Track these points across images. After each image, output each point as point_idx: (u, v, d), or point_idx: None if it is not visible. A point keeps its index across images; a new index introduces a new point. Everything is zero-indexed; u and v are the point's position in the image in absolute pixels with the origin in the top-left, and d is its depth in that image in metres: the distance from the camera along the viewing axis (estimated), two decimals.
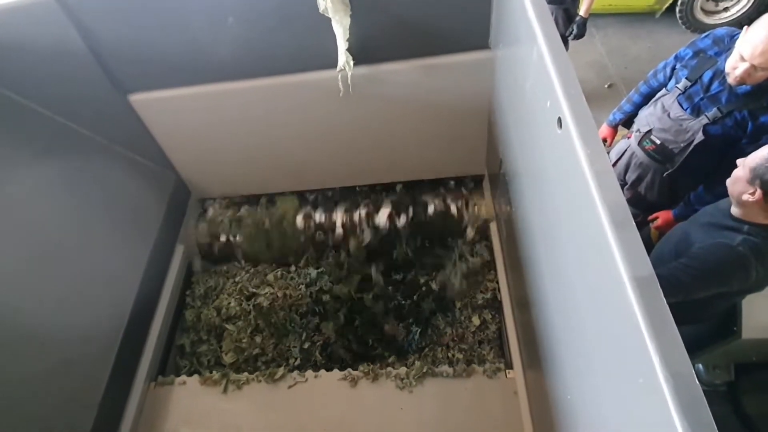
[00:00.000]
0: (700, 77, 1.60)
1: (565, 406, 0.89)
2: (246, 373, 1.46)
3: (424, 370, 1.39)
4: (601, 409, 0.70)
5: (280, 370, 1.44)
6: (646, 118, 1.79)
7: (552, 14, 2.83)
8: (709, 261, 1.28)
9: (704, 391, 0.47)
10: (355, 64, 1.29)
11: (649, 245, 2.31)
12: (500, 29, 1.19)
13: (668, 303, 0.52)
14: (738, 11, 3.90)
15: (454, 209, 1.71)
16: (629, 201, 2.01)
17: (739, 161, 1.28)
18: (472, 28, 1.26)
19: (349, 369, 1.42)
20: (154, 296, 1.62)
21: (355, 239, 1.71)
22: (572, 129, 0.67)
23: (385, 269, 1.71)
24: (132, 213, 1.59)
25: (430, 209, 1.72)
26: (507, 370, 1.38)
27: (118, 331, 1.40)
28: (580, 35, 2.79)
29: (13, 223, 1.23)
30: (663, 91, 1.78)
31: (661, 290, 0.52)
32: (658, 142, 1.74)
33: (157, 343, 1.55)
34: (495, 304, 1.59)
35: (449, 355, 1.52)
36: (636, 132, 1.85)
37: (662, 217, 1.89)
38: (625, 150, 1.94)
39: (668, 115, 1.69)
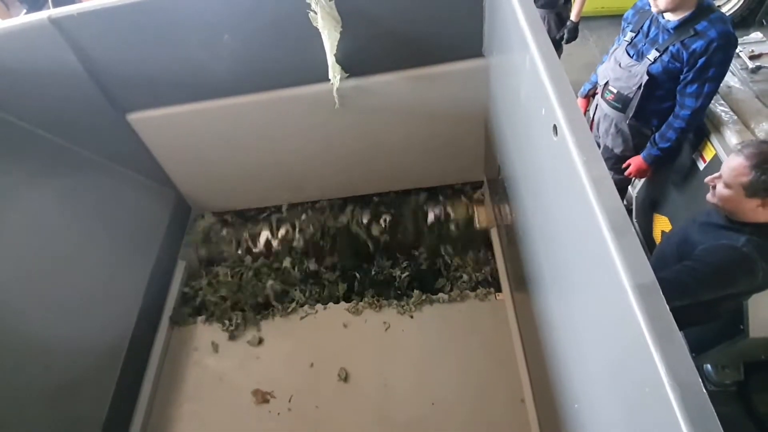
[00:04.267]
0: (641, 27, 1.84)
1: (571, 412, 0.88)
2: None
3: (423, 298, 1.56)
4: (607, 417, 0.69)
5: (292, 305, 1.62)
6: (603, 72, 2.00)
7: (544, 19, 2.88)
8: (714, 263, 1.26)
9: (714, 391, 0.46)
10: (350, 76, 1.30)
11: (649, 241, 2.30)
12: (493, 37, 1.20)
13: (674, 306, 0.51)
14: (728, 11, 3.92)
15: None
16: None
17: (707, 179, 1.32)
18: (465, 37, 1.27)
19: (355, 300, 1.59)
20: (157, 311, 1.63)
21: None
22: (568, 136, 0.67)
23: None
24: (133, 230, 1.59)
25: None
26: (496, 293, 1.56)
27: (121, 347, 1.42)
28: (571, 39, 2.80)
29: (14, 243, 1.23)
30: (614, 45, 2.00)
31: (663, 297, 0.51)
32: (615, 91, 1.94)
33: (161, 358, 1.55)
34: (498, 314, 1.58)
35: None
36: (599, 87, 2.07)
37: (634, 163, 2.02)
38: (597, 105, 2.14)
39: (619, 65, 1.89)
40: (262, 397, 1.45)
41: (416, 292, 1.57)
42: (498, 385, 1.37)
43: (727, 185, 1.26)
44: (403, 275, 1.65)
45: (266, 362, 1.53)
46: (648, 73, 1.77)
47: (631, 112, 1.91)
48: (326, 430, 1.38)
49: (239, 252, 1.78)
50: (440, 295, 1.57)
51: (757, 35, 2.18)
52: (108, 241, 1.48)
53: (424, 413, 1.35)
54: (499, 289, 1.57)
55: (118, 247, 1.51)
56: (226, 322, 1.60)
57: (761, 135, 1.76)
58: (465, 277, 1.63)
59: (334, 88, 1.29)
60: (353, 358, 1.48)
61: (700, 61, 1.65)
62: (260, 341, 1.57)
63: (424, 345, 1.48)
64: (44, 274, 1.27)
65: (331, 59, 1.21)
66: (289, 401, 1.44)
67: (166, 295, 1.68)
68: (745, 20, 3.73)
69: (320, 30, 1.16)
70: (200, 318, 1.63)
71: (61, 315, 1.27)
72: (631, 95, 1.87)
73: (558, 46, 2.96)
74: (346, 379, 1.45)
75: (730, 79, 1.97)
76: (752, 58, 2.04)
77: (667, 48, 1.72)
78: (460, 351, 1.45)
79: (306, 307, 1.61)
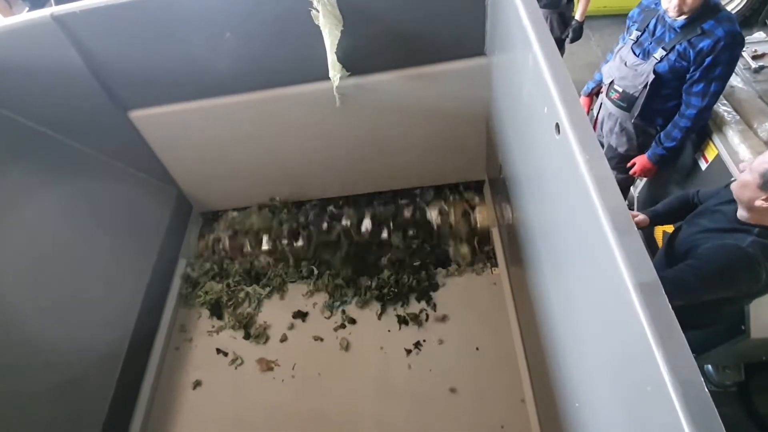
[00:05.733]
0: (647, 26, 1.83)
1: (572, 410, 0.87)
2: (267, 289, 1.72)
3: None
4: (608, 417, 0.69)
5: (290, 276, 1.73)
6: (609, 71, 1.99)
7: (546, 18, 2.87)
8: (717, 261, 1.24)
9: (714, 392, 0.46)
10: (352, 75, 1.30)
11: (650, 241, 2.30)
12: (495, 36, 1.20)
13: (674, 307, 0.51)
14: (731, 11, 3.89)
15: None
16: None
17: (743, 165, 1.27)
18: (467, 36, 1.26)
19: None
20: (158, 310, 1.63)
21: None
22: (570, 134, 0.67)
23: None
24: (134, 228, 1.59)
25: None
26: (492, 268, 1.66)
27: (123, 344, 1.43)
28: (576, 38, 2.80)
29: (15, 241, 1.23)
30: (620, 44, 1.97)
31: (666, 296, 0.51)
32: (620, 90, 1.92)
33: (161, 356, 1.56)
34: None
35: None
36: (604, 85, 2.06)
37: (639, 162, 2.01)
38: (601, 104, 2.12)
39: (625, 63, 1.88)
40: (267, 366, 1.52)
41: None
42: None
43: (751, 170, 1.23)
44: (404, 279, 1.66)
45: (270, 333, 1.60)
46: (654, 71, 1.77)
47: (636, 111, 1.90)
48: (329, 395, 1.44)
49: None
50: (439, 269, 1.66)
51: (760, 35, 2.17)
52: (109, 239, 1.48)
53: (423, 381, 1.42)
54: (496, 264, 1.65)
55: (120, 245, 1.51)
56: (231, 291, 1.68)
57: (764, 135, 1.75)
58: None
59: (334, 87, 1.29)
60: (354, 329, 1.56)
61: (707, 60, 1.64)
62: (263, 312, 1.65)
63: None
64: (45, 271, 1.27)
65: (331, 57, 1.21)
66: (293, 369, 1.51)
67: (168, 291, 1.68)
68: (748, 20, 3.71)
69: (321, 28, 1.16)
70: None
71: (63, 312, 1.27)
72: (636, 94, 1.87)
73: (560, 46, 2.95)
74: (347, 348, 1.51)
75: (733, 79, 1.96)
76: (755, 57, 2.03)
77: (673, 47, 1.71)
78: (458, 329, 1.52)
79: (310, 284, 1.70)
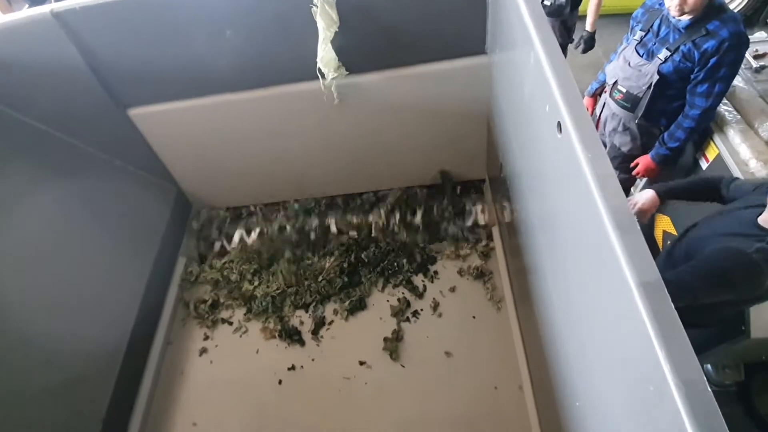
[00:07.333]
0: (651, 26, 1.82)
1: (573, 410, 0.87)
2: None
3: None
4: (611, 416, 0.69)
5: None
6: (612, 71, 1.99)
7: (551, 27, 2.85)
8: (719, 264, 1.23)
9: (714, 392, 0.46)
10: (352, 73, 1.29)
11: (651, 241, 2.29)
12: (497, 34, 1.19)
13: (675, 307, 0.51)
14: (733, 9, 3.90)
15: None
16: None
17: None
18: (468, 34, 1.26)
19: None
20: (157, 308, 1.63)
21: None
22: (572, 133, 0.67)
23: None
24: (134, 226, 1.59)
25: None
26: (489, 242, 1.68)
27: (122, 342, 1.43)
28: (588, 49, 2.78)
29: (15, 238, 1.23)
30: (624, 44, 1.97)
31: (669, 296, 0.51)
32: (624, 90, 1.92)
33: (161, 351, 1.56)
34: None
35: None
36: (607, 86, 2.05)
37: (642, 163, 2.01)
38: (605, 104, 2.11)
39: (629, 64, 1.87)
40: (270, 334, 1.58)
41: (415, 276, 1.64)
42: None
43: None
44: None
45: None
46: (658, 72, 1.76)
47: (640, 112, 1.89)
48: (329, 359, 1.51)
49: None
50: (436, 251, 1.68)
51: (761, 35, 2.18)
52: (108, 236, 1.48)
53: (420, 346, 1.49)
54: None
55: (119, 243, 1.51)
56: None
57: (764, 134, 1.75)
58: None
59: (322, 84, 1.28)
60: (355, 300, 1.61)
61: (712, 60, 1.64)
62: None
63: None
64: (45, 269, 1.27)
65: (321, 54, 1.21)
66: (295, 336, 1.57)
67: (167, 289, 1.68)
68: (749, 20, 3.72)
69: (317, 24, 1.16)
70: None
71: (62, 310, 1.27)
72: (640, 95, 1.86)
73: (563, 52, 2.94)
74: (347, 319, 1.59)
75: (734, 79, 1.96)
76: (756, 57, 2.03)
77: (678, 47, 1.70)
78: (455, 299, 1.57)
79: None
